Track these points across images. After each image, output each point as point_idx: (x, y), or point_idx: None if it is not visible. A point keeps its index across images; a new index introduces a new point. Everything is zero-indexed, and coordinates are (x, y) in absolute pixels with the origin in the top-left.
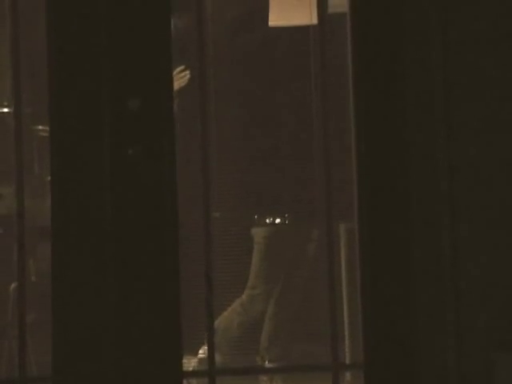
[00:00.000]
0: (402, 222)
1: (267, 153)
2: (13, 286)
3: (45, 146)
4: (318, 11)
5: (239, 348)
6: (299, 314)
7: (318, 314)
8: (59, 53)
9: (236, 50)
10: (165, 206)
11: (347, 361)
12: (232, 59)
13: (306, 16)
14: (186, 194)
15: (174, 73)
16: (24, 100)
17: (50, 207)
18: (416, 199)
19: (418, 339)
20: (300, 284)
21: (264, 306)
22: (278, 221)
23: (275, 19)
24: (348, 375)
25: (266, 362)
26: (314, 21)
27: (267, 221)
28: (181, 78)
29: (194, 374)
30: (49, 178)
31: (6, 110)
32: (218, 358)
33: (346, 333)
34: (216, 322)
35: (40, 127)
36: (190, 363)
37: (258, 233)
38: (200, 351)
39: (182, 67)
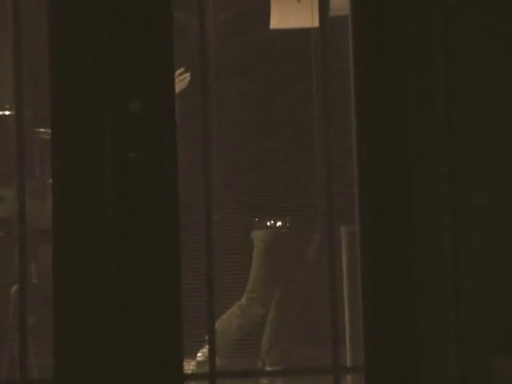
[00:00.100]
0: (403, 225)
1: (268, 155)
2: (14, 288)
3: (46, 149)
4: (320, 14)
5: (238, 351)
6: (300, 317)
7: (318, 316)
8: (61, 55)
9: (237, 53)
10: (166, 209)
11: (348, 364)
12: (233, 62)
13: (307, 19)
14: (187, 196)
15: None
16: (25, 102)
17: (51, 210)
18: (417, 202)
19: (419, 342)
20: (301, 287)
21: (263, 310)
22: (278, 224)
23: (276, 22)
24: (349, 378)
25: (267, 366)
26: (316, 24)
27: (268, 224)
28: (181, 80)
29: (194, 376)
30: (50, 181)
31: (7, 112)
32: (216, 360)
33: (347, 336)
34: (215, 325)
35: (41, 130)
36: (188, 366)
37: (257, 236)
38: (198, 354)
39: (181, 69)
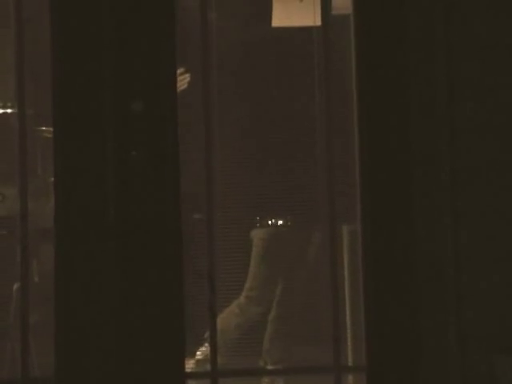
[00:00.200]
0: (404, 225)
1: (270, 155)
2: (15, 286)
3: (48, 148)
4: (322, 13)
5: (237, 349)
6: (301, 316)
7: (320, 315)
8: (63, 54)
9: (239, 51)
10: (168, 207)
11: (349, 363)
12: (235, 60)
13: (309, 17)
14: (189, 195)
15: None
16: (27, 101)
17: (53, 208)
18: (418, 201)
19: (421, 342)
20: (302, 286)
21: (262, 309)
22: (280, 223)
23: (278, 20)
24: (350, 377)
25: (268, 365)
26: (318, 22)
27: (269, 222)
28: (180, 80)
29: (196, 375)
30: (52, 180)
31: (9, 110)
32: (211, 359)
33: (349, 335)
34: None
35: (43, 128)
36: (188, 364)
37: (256, 234)
38: (198, 352)
39: (181, 70)
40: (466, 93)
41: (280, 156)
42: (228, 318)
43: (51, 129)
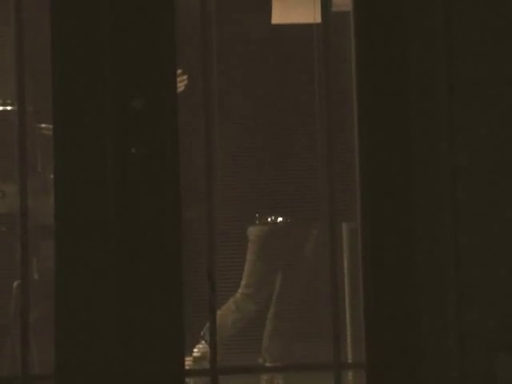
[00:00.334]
0: (404, 222)
1: (270, 152)
2: (15, 283)
3: (48, 145)
4: (322, 9)
5: (236, 347)
6: (301, 314)
7: (320, 313)
8: (63, 51)
9: (239, 48)
10: (168, 205)
11: (349, 360)
12: (235, 57)
13: (309, 14)
14: (189, 192)
15: None
16: (28, 98)
17: (53, 205)
18: (419, 199)
19: (421, 339)
20: (302, 283)
21: (258, 306)
22: (280, 220)
23: (278, 17)
24: (350, 374)
25: (267, 363)
26: (318, 19)
27: (269, 220)
28: (178, 82)
29: (196, 372)
30: (52, 176)
31: (9, 108)
32: (211, 356)
33: (348, 332)
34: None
35: (43, 125)
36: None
37: (251, 231)
38: (195, 350)
39: (179, 71)
40: (466, 91)
41: (280, 153)
42: (225, 314)
43: (51, 126)
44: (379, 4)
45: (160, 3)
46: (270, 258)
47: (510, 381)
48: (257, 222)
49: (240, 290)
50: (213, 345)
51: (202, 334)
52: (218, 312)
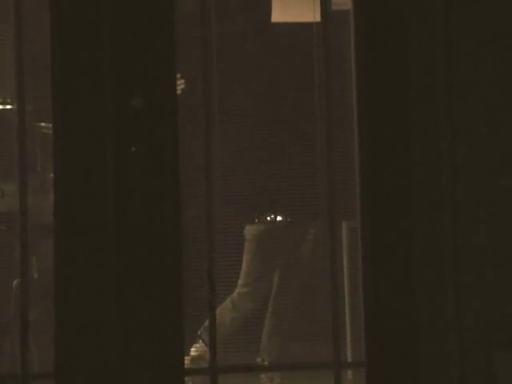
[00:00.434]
0: (404, 221)
1: (270, 151)
2: (15, 282)
3: (48, 144)
4: (322, 8)
5: (234, 346)
6: (300, 313)
7: (319, 311)
8: (63, 49)
9: (239, 48)
10: (167, 204)
11: (349, 359)
12: (235, 57)
13: (309, 13)
14: (189, 191)
15: None
16: (27, 97)
17: (52, 204)
18: (418, 198)
19: (420, 337)
20: (301, 282)
21: (254, 305)
22: (279, 219)
23: (278, 16)
24: (350, 373)
25: (266, 362)
26: (318, 18)
27: (268, 218)
28: (180, 77)
29: (195, 371)
30: (51, 175)
31: (9, 107)
32: (210, 355)
33: (348, 331)
34: (207, 320)
35: (43, 124)
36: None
37: (248, 230)
38: (192, 349)
39: (180, 67)
40: (466, 90)
41: (280, 152)
42: (222, 313)
43: (51, 125)
44: (379, 3)
45: (160, 3)
46: (267, 256)
47: (510, 381)
48: (256, 220)
49: (237, 289)
50: (212, 344)
51: (199, 333)
52: (216, 311)
